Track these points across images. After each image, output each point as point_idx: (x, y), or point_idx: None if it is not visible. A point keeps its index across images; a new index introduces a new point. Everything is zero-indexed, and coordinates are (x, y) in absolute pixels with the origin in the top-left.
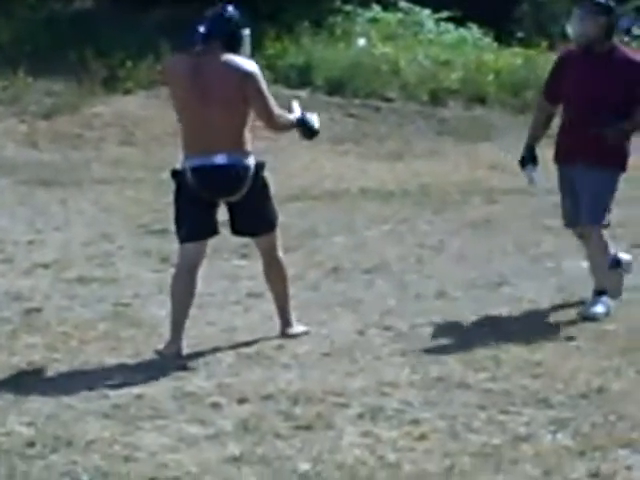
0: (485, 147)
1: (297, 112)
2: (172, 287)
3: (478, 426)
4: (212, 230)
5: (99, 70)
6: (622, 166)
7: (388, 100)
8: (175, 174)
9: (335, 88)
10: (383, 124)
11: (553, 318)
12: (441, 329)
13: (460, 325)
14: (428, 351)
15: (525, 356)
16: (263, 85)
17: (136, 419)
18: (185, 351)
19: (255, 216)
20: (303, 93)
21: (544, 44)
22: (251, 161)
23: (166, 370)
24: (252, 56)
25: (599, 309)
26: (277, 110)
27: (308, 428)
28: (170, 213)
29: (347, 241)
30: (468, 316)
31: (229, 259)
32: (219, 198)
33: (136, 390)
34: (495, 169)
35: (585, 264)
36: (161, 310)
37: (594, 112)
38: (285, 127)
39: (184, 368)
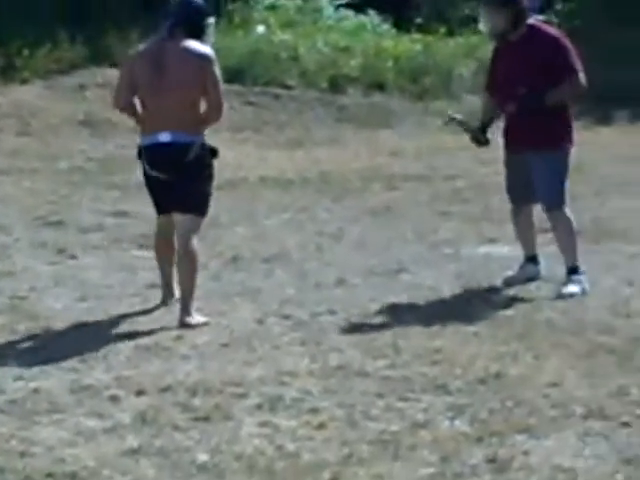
0: (385, 134)
1: None
2: (155, 252)
3: (376, 414)
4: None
5: None
6: (569, 141)
7: (287, 87)
8: (139, 154)
9: (234, 76)
10: (282, 112)
11: (452, 305)
12: (341, 317)
13: (360, 313)
14: (327, 340)
15: (424, 343)
16: (218, 72)
17: (33, 413)
18: (82, 344)
19: (187, 194)
20: None
21: (442, 30)
22: (196, 141)
23: (63, 363)
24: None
25: (574, 288)
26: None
27: (206, 419)
28: (66, 204)
29: (247, 230)
30: (367, 304)
31: (128, 249)
32: (165, 174)
33: (32, 384)
34: (395, 156)
35: (483, 250)
36: (57, 303)
37: (517, 96)
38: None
39: (82, 361)
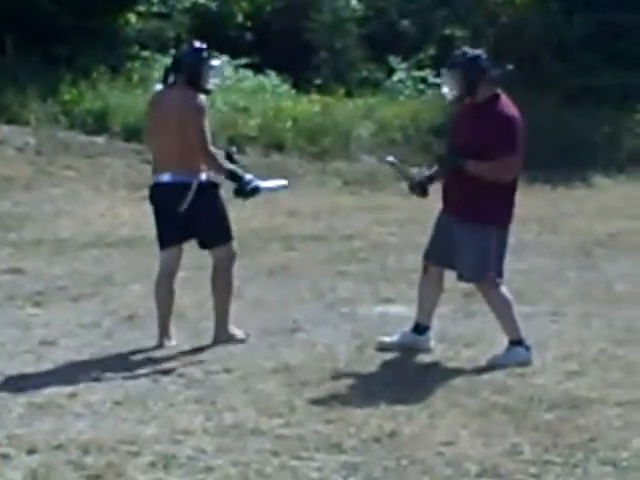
0: (283, 194)
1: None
2: (155, 290)
3: (270, 472)
4: (177, 239)
5: None
6: (493, 220)
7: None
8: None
9: (132, 134)
10: None
11: (347, 364)
12: (236, 375)
13: (255, 372)
14: (222, 398)
15: (319, 401)
16: (201, 117)
17: None
18: None
19: (205, 231)
20: (100, 139)
21: (341, 91)
22: (194, 179)
23: None
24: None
25: (513, 361)
26: (209, 145)
27: (98, 477)
28: None
29: (143, 288)
30: (263, 362)
31: (23, 307)
32: (166, 210)
33: None
34: (293, 215)
35: (379, 309)
36: None
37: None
38: (214, 162)
39: None
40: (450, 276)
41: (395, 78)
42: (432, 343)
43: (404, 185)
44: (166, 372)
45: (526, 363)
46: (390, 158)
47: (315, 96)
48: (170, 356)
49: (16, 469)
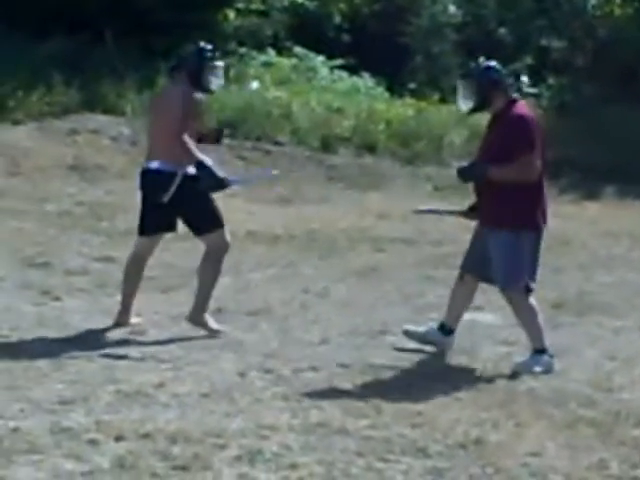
0: (374, 195)
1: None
2: (125, 270)
3: (356, 472)
4: (160, 227)
5: None
6: (523, 224)
7: (279, 144)
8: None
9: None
10: (273, 168)
11: (434, 369)
12: (323, 375)
13: (342, 372)
14: (309, 396)
15: (405, 405)
16: (185, 107)
17: (11, 453)
18: (64, 386)
19: (193, 218)
20: None
21: (436, 97)
22: (180, 169)
23: (43, 404)
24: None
25: (537, 368)
26: (184, 134)
27: (185, 468)
28: (54, 246)
29: (232, 283)
30: (350, 363)
31: (112, 295)
32: (151, 196)
33: (12, 423)
34: (383, 218)
35: (468, 316)
36: (39, 344)
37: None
38: (186, 150)
39: (62, 403)
40: (536, 288)
41: None
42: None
43: None
44: (253, 367)
45: (549, 371)
46: (420, 208)
47: (409, 100)
48: (257, 351)
49: (103, 455)
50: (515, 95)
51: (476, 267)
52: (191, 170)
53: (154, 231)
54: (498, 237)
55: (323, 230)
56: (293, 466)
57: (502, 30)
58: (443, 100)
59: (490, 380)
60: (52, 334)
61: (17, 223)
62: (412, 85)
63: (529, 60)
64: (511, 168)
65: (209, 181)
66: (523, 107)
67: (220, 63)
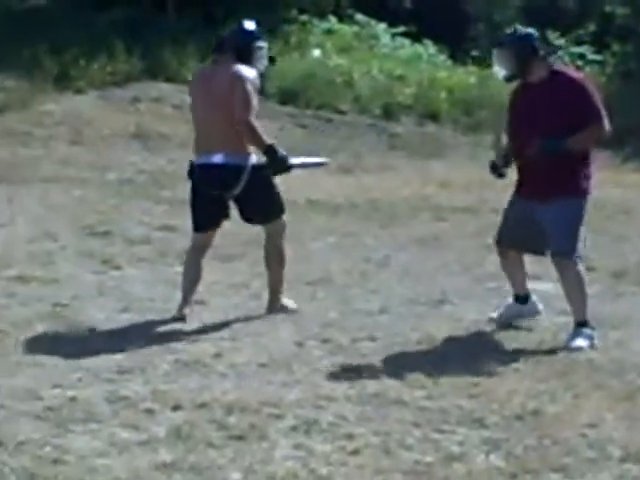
0: (436, 164)
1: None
2: (184, 265)
3: (411, 443)
4: (216, 222)
5: (51, 67)
6: (586, 190)
7: (340, 112)
8: (189, 171)
9: (288, 98)
10: (334, 136)
11: (492, 339)
12: (381, 345)
13: (400, 342)
14: (366, 366)
15: (462, 376)
16: (248, 89)
17: (68, 421)
18: (122, 355)
19: (260, 210)
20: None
21: None
22: (247, 161)
23: (101, 374)
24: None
25: (582, 342)
26: (253, 119)
27: (241, 438)
28: (115, 215)
29: (292, 252)
30: (409, 333)
31: (173, 264)
32: (216, 192)
33: (70, 392)
34: (444, 186)
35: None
36: (99, 313)
37: (536, 141)
38: (254, 135)
39: (120, 372)
40: (597, 257)
41: None
42: (540, 306)
43: None
44: (312, 337)
45: (592, 345)
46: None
47: (471, 68)
48: (316, 321)
49: (160, 425)
50: (558, 62)
51: (515, 242)
52: (256, 159)
53: (211, 227)
54: (566, 206)
55: (384, 199)
56: (349, 436)
57: None
58: None
59: (549, 351)
60: (112, 303)
61: (79, 192)
62: (474, 53)
63: (593, 27)
64: (586, 135)
65: (278, 166)
66: (573, 71)
67: (265, 43)
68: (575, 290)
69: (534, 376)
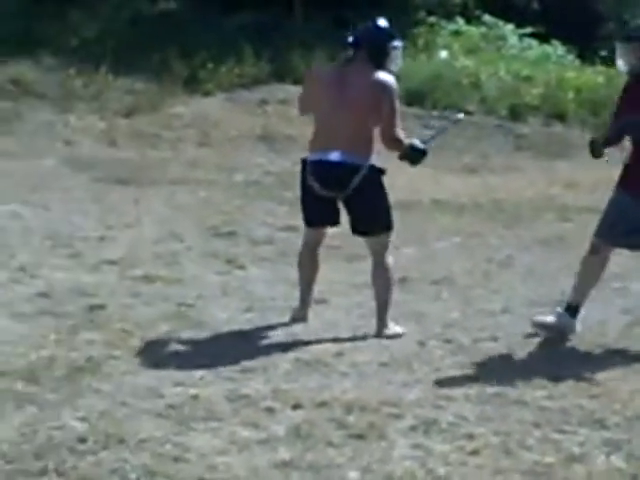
0: (562, 164)
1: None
2: (298, 263)
3: (532, 444)
4: (326, 220)
5: (181, 71)
6: None
7: (467, 113)
8: (302, 166)
9: (415, 99)
10: (461, 137)
11: (615, 340)
12: (502, 345)
13: (521, 342)
14: (487, 366)
15: (584, 376)
16: (395, 102)
17: (189, 419)
18: (244, 354)
19: (366, 217)
20: None
21: None
22: (365, 162)
23: (223, 372)
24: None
25: None
26: (399, 129)
27: (360, 437)
28: (239, 216)
29: (417, 252)
30: (531, 333)
31: (294, 264)
32: (327, 191)
33: (192, 391)
34: (570, 187)
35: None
36: (223, 313)
37: None
38: (400, 146)
39: (241, 371)
40: None
41: None
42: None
43: None
44: (433, 337)
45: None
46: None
47: (600, 67)
48: (439, 321)
49: (280, 423)
50: None
51: (617, 240)
52: (374, 160)
53: (319, 225)
54: None
55: (509, 199)
56: (469, 436)
57: None
58: None
59: None
60: (235, 303)
61: (205, 193)
62: (603, 52)
63: None
64: None
65: (416, 156)
66: None
67: (400, 42)
68: None
69: None
